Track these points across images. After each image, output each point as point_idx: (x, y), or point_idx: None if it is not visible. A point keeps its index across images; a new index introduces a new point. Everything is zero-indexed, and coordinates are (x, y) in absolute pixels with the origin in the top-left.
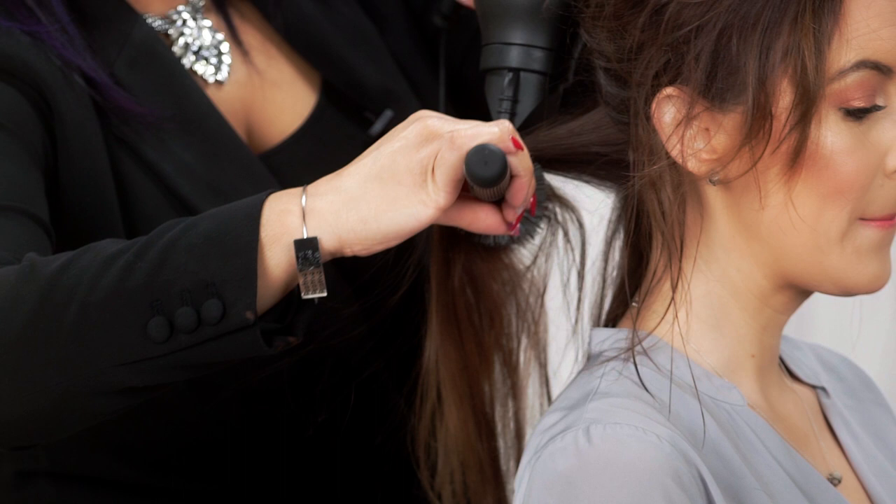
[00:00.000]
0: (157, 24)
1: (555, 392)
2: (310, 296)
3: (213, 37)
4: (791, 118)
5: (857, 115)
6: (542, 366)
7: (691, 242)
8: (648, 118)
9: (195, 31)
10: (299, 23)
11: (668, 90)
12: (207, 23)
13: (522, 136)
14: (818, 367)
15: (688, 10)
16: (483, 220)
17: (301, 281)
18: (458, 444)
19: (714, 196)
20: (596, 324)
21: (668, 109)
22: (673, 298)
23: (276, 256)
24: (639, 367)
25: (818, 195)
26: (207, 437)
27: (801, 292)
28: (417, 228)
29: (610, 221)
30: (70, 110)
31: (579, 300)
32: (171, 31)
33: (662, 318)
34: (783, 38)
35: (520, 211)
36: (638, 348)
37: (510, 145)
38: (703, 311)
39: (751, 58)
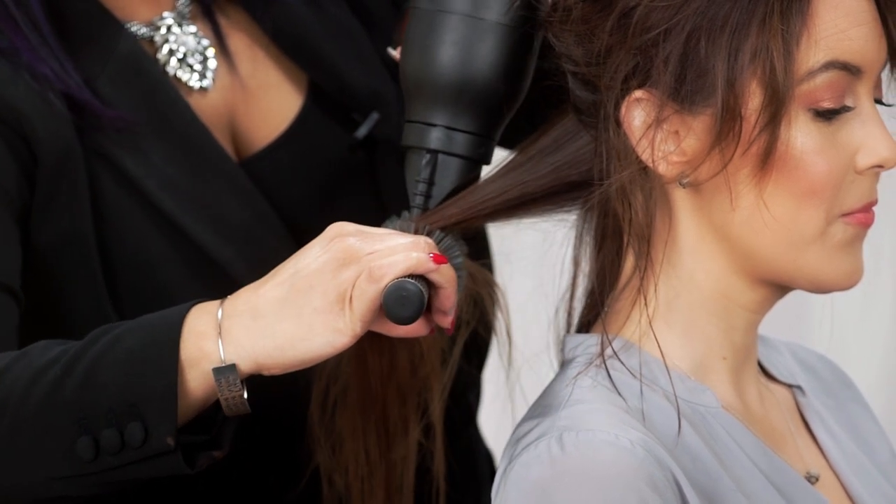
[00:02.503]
0: (141, 31)
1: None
2: (233, 414)
3: (199, 43)
4: (761, 119)
5: (826, 116)
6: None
7: (658, 246)
8: (618, 122)
9: (180, 38)
10: (287, 24)
11: (638, 93)
12: (193, 28)
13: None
14: (795, 366)
15: (656, 14)
16: (404, 328)
17: (223, 403)
18: (348, 436)
19: (682, 199)
20: (568, 330)
21: (637, 113)
22: (645, 302)
23: (196, 379)
24: (611, 371)
25: (792, 196)
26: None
27: (776, 290)
28: (333, 354)
29: (578, 219)
30: (50, 138)
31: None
32: (156, 38)
33: (627, 320)
34: (751, 39)
35: (451, 314)
36: (610, 352)
37: (430, 265)
38: (670, 315)
39: (719, 60)
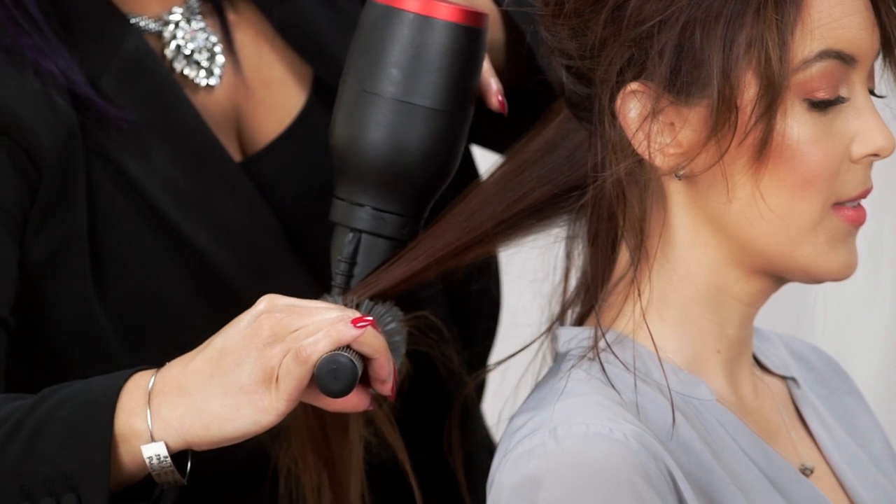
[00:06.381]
0: (150, 26)
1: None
2: (168, 485)
3: (207, 39)
4: (756, 110)
5: (821, 106)
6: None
7: (653, 239)
8: (613, 115)
9: (188, 34)
10: (294, 18)
11: (633, 86)
12: (201, 24)
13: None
14: (788, 357)
15: (650, 5)
16: (340, 402)
17: (155, 478)
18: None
19: (678, 191)
20: (562, 323)
21: (633, 105)
22: (638, 295)
23: (128, 454)
24: (605, 364)
25: (788, 187)
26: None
27: (770, 283)
28: (260, 432)
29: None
30: (54, 145)
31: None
32: (164, 34)
33: (620, 313)
34: (746, 29)
35: (390, 382)
36: (603, 345)
37: (353, 332)
38: (664, 308)
39: (714, 51)
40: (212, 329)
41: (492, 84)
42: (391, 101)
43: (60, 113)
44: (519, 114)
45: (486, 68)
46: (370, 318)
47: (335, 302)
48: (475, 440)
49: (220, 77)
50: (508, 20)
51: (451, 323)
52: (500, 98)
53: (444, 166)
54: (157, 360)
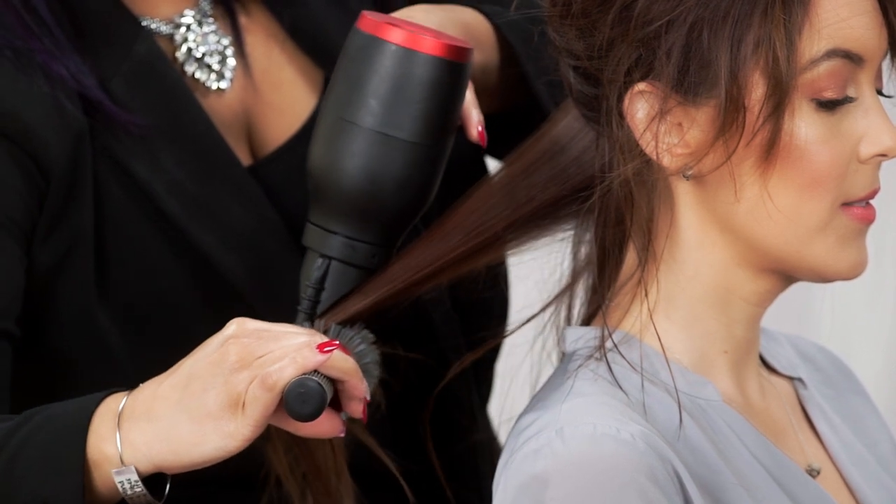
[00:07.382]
0: (161, 28)
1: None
2: None
3: (219, 42)
4: (764, 110)
5: (829, 106)
6: None
7: (660, 239)
8: (621, 115)
9: (200, 37)
10: (305, 21)
11: (641, 86)
12: (213, 27)
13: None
14: (795, 357)
15: (657, 5)
16: (311, 427)
17: (128, 501)
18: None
19: (685, 192)
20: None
21: (640, 105)
22: (645, 295)
23: (101, 478)
24: (612, 364)
25: (796, 187)
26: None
27: (778, 282)
28: (226, 457)
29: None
30: (62, 149)
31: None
32: (175, 37)
33: (627, 313)
34: (754, 30)
35: (363, 402)
36: (610, 345)
37: (318, 358)
38: (671, 309)
39: (722, 51)
40: (215, 332)
41: (473, 115)
42: (368, 132)
43: (68, 117)
44: (514, 132)
45: (469, 99)
46: (338, 339)
47: (306, 326)
48: (484, 442)
49: (231, 80)
50: (503, 39)
51: (456, 323)
52: (479, 129)
53: (420, 198)
54: (159, 362)
